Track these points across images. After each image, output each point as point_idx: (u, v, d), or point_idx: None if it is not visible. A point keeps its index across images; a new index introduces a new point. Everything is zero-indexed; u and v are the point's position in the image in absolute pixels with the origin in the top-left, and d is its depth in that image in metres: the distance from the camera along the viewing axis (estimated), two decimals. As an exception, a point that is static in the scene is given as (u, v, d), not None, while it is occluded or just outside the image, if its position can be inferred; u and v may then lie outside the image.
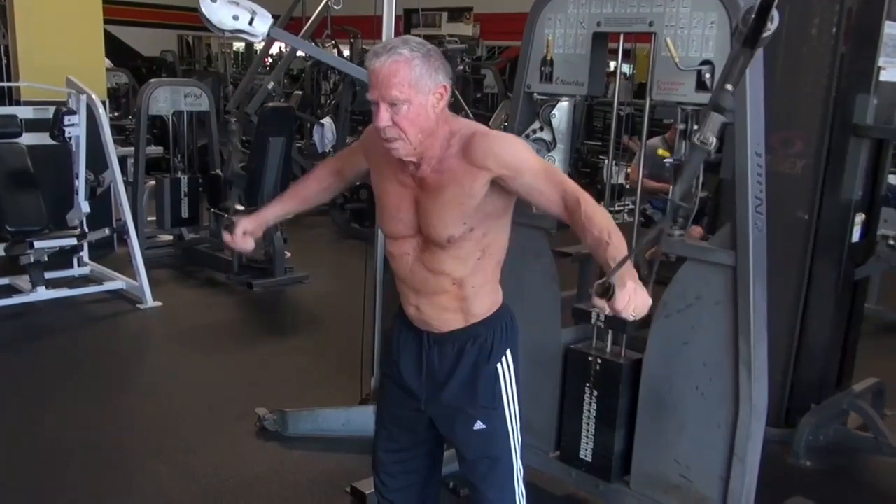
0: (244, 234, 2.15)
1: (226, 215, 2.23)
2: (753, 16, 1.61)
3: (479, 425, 2.01)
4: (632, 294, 1.62)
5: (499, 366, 2.00)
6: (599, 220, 1.77)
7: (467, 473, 2.11)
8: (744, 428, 2.45)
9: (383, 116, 1.79)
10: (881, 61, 3.38)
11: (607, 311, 1.65)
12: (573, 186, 1.85)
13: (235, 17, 2.50)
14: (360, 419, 3.51)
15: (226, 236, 2.15)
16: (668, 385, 2.63)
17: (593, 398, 2.81)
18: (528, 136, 2.85)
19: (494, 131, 1.92)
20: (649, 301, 1.67)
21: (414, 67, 1.76)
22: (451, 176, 1.85)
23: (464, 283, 1.93)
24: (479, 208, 1.87)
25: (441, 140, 1.87)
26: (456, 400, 2.00)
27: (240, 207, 5.74)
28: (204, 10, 2.62)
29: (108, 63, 7.94)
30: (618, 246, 1.72)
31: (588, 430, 2.84)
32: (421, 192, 1.90)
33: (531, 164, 1.86)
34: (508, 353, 2.02)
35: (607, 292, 1.62)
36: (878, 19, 3.32)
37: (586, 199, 1.81)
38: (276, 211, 2.25)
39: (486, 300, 1.98)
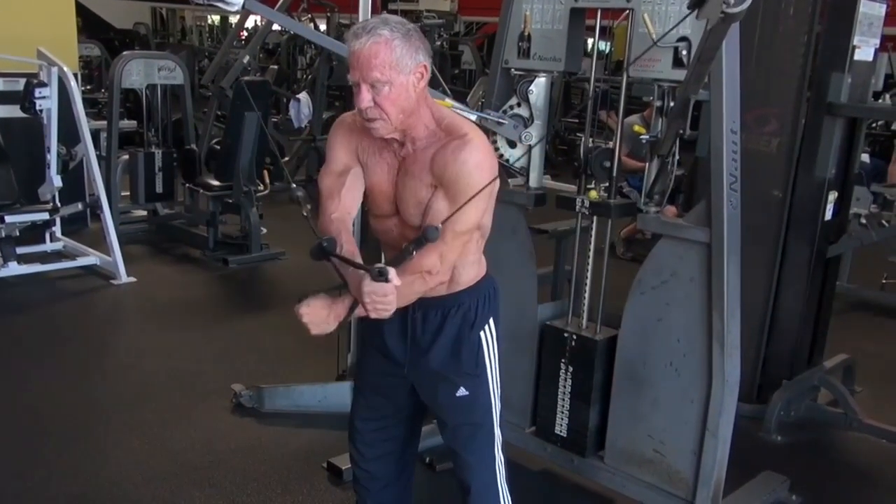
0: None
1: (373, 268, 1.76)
2: None
3: (462, 392, 2.03)
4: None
5: (482, 333, 2.03)
6: (422, 261, 1.79)
7: (449, 439, 2.13)
8: (716, 403, 2.48)
9: (365, 97, 1.80)
10: (856, 40, 3.40)
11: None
12: (453, 247, 1.82)
13: (210, -13, 2.45)
14: (337, 395, 3.52)
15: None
16: (643, 361, 2.65)
17: (569, 374, 2.83)
18: (505, 112, 2.84)
19: (478, 142, 1.84)
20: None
21: (394, 48, 1.76)
22: (420, 166, 1.86)
23: None
24: None
25: (424, 120, 1.87)
26: (440, 366, 2.02)
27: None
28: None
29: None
30: (415, 262, 1.77)
31: (563, 406, 2.87)
32: (398, 173, 1.91)
33: (461, 189, 1.78)
34: (491, 321, 2.05)
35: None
36: (853, -3, 3.34)
37: (439, 257, 1.81)
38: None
39: (470, 270, 2.00)
